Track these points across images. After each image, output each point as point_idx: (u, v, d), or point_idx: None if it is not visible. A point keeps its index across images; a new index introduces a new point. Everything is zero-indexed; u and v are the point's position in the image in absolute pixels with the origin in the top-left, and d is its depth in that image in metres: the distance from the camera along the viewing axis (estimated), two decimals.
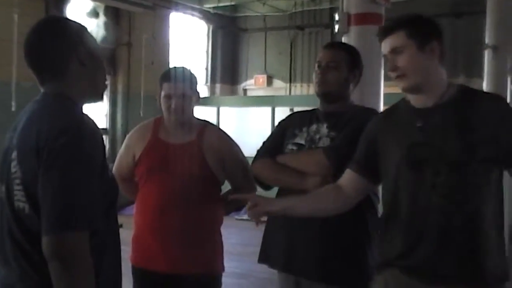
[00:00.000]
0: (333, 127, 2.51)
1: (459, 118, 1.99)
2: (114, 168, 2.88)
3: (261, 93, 14.10)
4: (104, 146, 1.76)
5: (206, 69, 14.06)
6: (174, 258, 2.71)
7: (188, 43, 13.28)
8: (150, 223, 2.76)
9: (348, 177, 2.23)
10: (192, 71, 2.88)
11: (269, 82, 14.22)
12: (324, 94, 2.57)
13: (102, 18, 10.23)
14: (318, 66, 2.58)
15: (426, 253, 2.00)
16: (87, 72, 1.79)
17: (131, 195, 2.93)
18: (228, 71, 14.20)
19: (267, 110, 10.84)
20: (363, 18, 3.11)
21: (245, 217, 9.89)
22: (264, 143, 2.71)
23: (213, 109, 10.94)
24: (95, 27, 10.03)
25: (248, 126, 10.50)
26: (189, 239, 2.71)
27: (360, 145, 2.25)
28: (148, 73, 10.43)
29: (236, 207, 3.06)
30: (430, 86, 2.06)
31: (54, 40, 1.75)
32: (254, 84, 14.38)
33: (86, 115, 1.77)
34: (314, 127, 2.56)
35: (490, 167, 1.98)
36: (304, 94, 13.44)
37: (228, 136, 2.90)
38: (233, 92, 14.32)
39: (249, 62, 14.45)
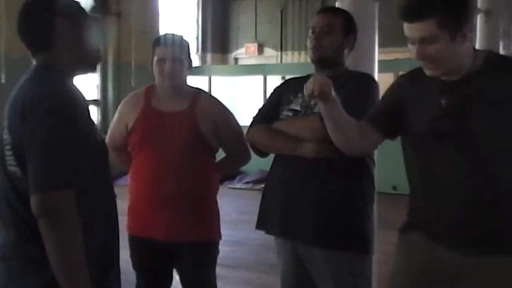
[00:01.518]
0: None
1: (485, 92, 1.93)
2: (107, 138, 2.84)
3: (252, 61, 14.03)
4: (88, 112, 1.86)
5: (197, 38, 13.95)
6: (170, 226, 2.72)
7: (178, 12, 13.13)
8: (145, 192, 2.76)
9: (366, 128, 2.20)
10: (185, 38, 2.86)
11: (260, 50, 14.14)
12: (319, 60, 2.55)
13: None
14: (312, 32, 2.55)
15: (451, 223, 2.00)
16: (70, 43, 1.87)
17: (125, 165, 2.92)
18: (218, 40, 14.09)
19: (259, 78, 10.79)
20: None
21: (238, 185, 9.99)
22: (259, 109, 2.71)
23: (205, 79, 10.87)
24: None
25: (240, 95, 10.45)
26: (185, 207, 2.72)
27: (383, 101, 2.22)
28: (139, 42, 10.32)
29: (230, 172, 3.08)
30: (459, 66, 1.97)
31: (34, 14, 1.86)
32: (245, 53, 14.30)
33: (71, 83, 1.89)
34: None
35: None
36: (296, 62, 13.38)
37: (221, 103, 2.89)
38: (224, 61, 14.24)
39: (240, 30, 14.34)
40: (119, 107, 2.91)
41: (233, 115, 2.89)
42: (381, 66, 3.37)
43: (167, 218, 2.71)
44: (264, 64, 12.25)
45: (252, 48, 14.11)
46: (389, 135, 2.21)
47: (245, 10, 14.18)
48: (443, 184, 2.00)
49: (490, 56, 2.03)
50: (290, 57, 13.77)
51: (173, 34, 2.81)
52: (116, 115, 2.90)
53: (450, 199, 1.99)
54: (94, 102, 10.37)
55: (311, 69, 2.65)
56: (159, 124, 2.74)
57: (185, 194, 2.71)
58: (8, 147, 1.79)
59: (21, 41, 1.89)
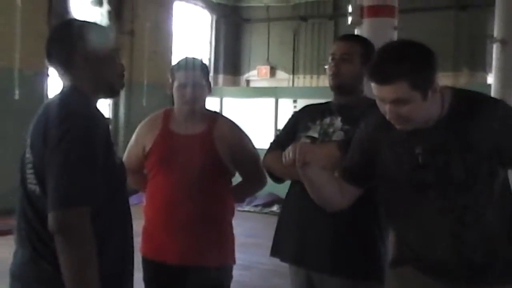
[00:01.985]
0: (347, 120, 2.49)
1: (458, 137, 1.90)
2: (123, 160, 2.84)
3: (264, 84, 14.08)
4: (109, 134, 1.91)
5: (209, 59, 14.04)
6: (184, 250, 2.70)
7: (191, 33, 13.23)
8: (160, 215, 2.74)
9: (343, 184, 2.17)
10: (204, 62, 2.86)
11: (272, 73, 14.20)
12: (337, 87, 2.55)
13: (105, 7, 10.17)
14: (332, 59, 2.56)
15: (440, 262, 1.98)
16: (92, 68, 1.92)
17: (140, 187, 2.91)
18: (231, 62, 14.17)
19: (271, 101, 10.80)
20: (376, 11, 3.08)
21: (247, 208, 9.96)
22: (276, 135, 2.69)
23: (216, 100, 10.91)
24: (99, 16, 9.99)
25: (251, 117, 10.47)
26: (200, 231, 2.70)
27: (352, 153, 2.17)
28: (151, 62, 10.40)
29: (246, 196, 3.06)
30: (429, 117, 1.93)
31: (58, 38, 1.94)
32: (257, 75, 14.35)
33: (94, 106, 1.95)
34: (327, 120, 2.54)
35: (495, 174, 1.92)
36: (307, 85, 13.42)
37: (239, 128, 2.88)
38: (236, 83, 14.30)
39: (252, 52, 14.42)
40: (137, 129, 2.91)
41: (250, 140, 2.88)
42: None
43: (181, 242, 2.69)
44: (276, 87, 12.29)
45: (264, 71, 14.17)
46: (366, 185, 2.17)
47: (257, 32, 14.28)
48: (428, 228, 1.98)
49: (459, 98, 1.97)
50: (302, 81, 13.82)
51: (193, 58, 2.81)
52: (134, 137, 2.89)
53: (436, 241, 1.98)
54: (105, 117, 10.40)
55: (323, 93, 2.64)
56: (176, 147, 2.73)
57: (201, 218, 2.69)
58: (30, 165, 1.84)
59: (50, 65, 1.96)
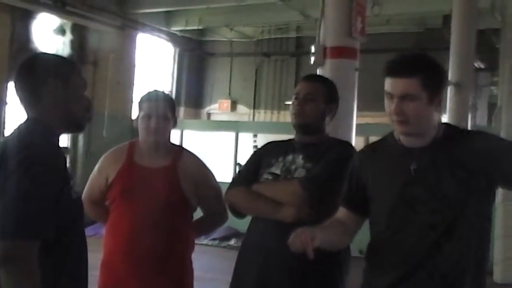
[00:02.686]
0: (309, 158, 2.54)
1: (449, 157, 2.02)
2: (85, 191, 2.84)
3: (224, 118, 14.13)
4: (65, 168, 1.89)
5: (171, 91, 14.00)
6: (143, 284, 2.67)
7: (154, 65, 13.24)
8: (120, 247, 2.72)
9: (343, 214, 2.23)
10: (170, 95, 2.89)
11: (233, 107, 14.27)
12: (301, 126, 2.60)
13: (68, 36, 10.11)
14: (296, 98, 2.61)
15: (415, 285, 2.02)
16: (60, 104, 1.93)
17: (100, 219, 2.89)
18: (192, 95, 14.19)
19: (231, 135, 10.86)
20: (338, 52, 3.18)
21: (205, 242, 9.87)
22: (239, 171, 2.72)
23: (177, 132, 10.89)
24: (61, 45, 9.92)
25: (211, 151, 10.48)
26: (161, 265, 2.68)
27: (347, 182, 2.24)
28: (113, 93, 10.35)
29: (207, 231, 3.06)
30: (427, 131, 2.06)
31: (27, 72, 1.94)
32: (218, 109, 14.40)
33: (55, 139, 1.95)
34: (290, 157, 2.58)
35: (484, 199, 2.04)
36: (268, 120, 13.54)
37: (203, 162, 2.90)
38: (197, 116, 14.31)
39: (214, 86, 14.49)
40: (101, 159, 2.90)
41: (213, 175, 2.90)
42: (358, 129, 3.45)
43: (141, 276, 2.67)
44: (237, 121, 12.36)
45: (225, 104, 14.23)
46: (367, 215, 2.22)
47: (220, 66, 14.38)
48: (413, 248, 2.03)
49: (449, 126, 2.16)
50: (263, 115, 13.92)
51: (160, 91, 2.84)
52: (97, 167, 2.88)
53: (418, 263, 2.02)
54: (64, 149, 10.26)
55: (283, 129, 2.71)
56: (140, 179, 2.73)
57: (162, 252, 2.68)
58: None
59: (16, 93, 1.95)
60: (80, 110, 1.99)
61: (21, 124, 1.92)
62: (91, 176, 2.90)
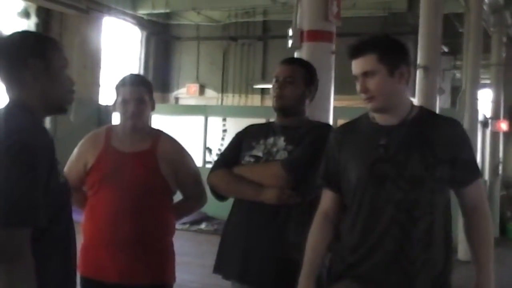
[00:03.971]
0: (290, 140, 2.57)
1: (421, 137, 2.12)
2: None
3: (192, 102, 14.08)
4: (53, 152, 1.81)
5: None
6: (124, 268, 2.67)
7: (120, 49, 13.07)
8: (100, 232, 2.71)
9: (327, 196, 2.29)
10: (148, 79, 2.88)
11: (201, 91, 14.22)
12: (281, 108, 2.63)
13: (33, 19, 9.90)
14: (276, 81, 2.64)
15: (378, 263, 2.10)
16: (41, 85, 1.84)
17: (79, 205, 2.87)
18: (160, 79, 14.06)
19: (200, 119, 10.84)
20: (315, 35, 3.21)
21: (180, 227, 9.88)
22: (221, 154, 2.74)
23: None
24: (26, 28, 9.70)
25: (180, 135, 10.42)
26: (141, 249, 2.69)
27: (323, 161, 2.31)
28: (80, 77, 10.18)
29: (186, 214, 3.08)
30: (397, 106, 2.17)
31: (6, 53, 1.84)
32: (186, 93, 14.33)
33: (40, 123, 1.86)
34: (271, 139, 2.61)
35: (444, 186, 2.14)
36: (236, 104, 13.54)
37: (182, 146, 2.90)
38: (165, 100, 14.21)
39: (182, 70, 14.40)
40: (78, 145, 2.87)
41: (192, 158, 2.91)
42: (335, 112, 3.50)
43: (122, 261, 2.66)
44: (206, 105, 12.33)
45: (193, 89, 14.17)
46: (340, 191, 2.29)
47: (187, 50, 14.29)
48: (381, 222, 2.11)
49: (425, 109, 2.28)
50: (231, 99, 13.92)
51: (138, 75, 2.83)
52: (75, 154, 2.85)
53: (384, 236, 2.10)
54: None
55: (251, 112, 2.78)
56: (119, 164, 2.72)
57: (142, 236, 2.68)
58: None
59: None
60: (63, 91, 1.90)
61: (2, 108, 1.84)
62: (69, 162, 2.86)
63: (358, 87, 2.17)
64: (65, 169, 2.85)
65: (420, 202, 2.09)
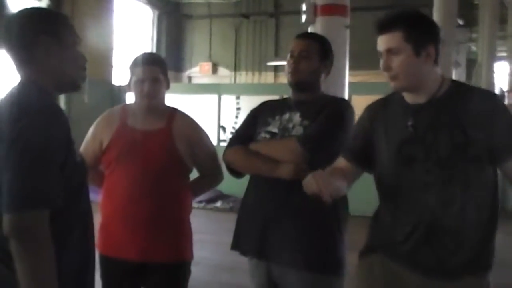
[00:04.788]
0: (306, 116, 2.54)
1: (451, 116, 2.02)
2: None
3: (206, 80, 14.06)
4: (69, 131, 1.78)
5: None
6: (143, 246, 2.69)
7: (132, 28, 13.04)
8: (118, 211, 2.72)
9: (343, 164, 2.25)
10: (162, 57, 2.86)
11: (214, 70, 14.20)
12: (296, 83, 2.60)
13: (45, 1, 9.90)
14: (291, 56, 2.61)
15: (412, 246, 2.06)
16: (54, 62, 1.81)
17: (96, 184, 2.88)
18: (172, 58, 14.04)
19: (213, 97, 10.82)
20: (329, 9, 3.17)
21: (195, 205, 9.97)
22: (236, 130, 2.73)
23: None
24: None
25: (194, 114, 10.41)
26: (158, 227, 2.70)
27: (354, 133, 2.27)
28: (92, 58, 10.12)
29: (203, 191, 3.08)
30: (423, 86, 2.06)
31: (18, 29, 1.79)
32: (199, 72, 14.31)
33: (54, 101, 1.82)
34: (287, 115, 2.59)
35: (481, 165, 2.01)
36: (249, 82, 13.50)
37: (197, 123, 2.90)
38: (178, 79, 14.20)
39: (194, 49, 14.37)
40: (94, 124, 2.87)
41: (207, 135, 2.91)
42: (351, 88, 3.47)
43: (141, 238, 2.68)
44: (219, 84, 12.30)
45: (206, 67, 14.15)
46: (368, 168, 2.24)
47: (199, 29, 14.24)
48: (412, 205, 2.07)
49: (458, 84, 2.13)
50: (244, 77, 13.88)
51: (151, 53, 2.82)
52: (91, 132, 2.85)
53: (418, 219, 2.06)
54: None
55: (265, 90, 2.74)
56: (135, 142, 2.72)
57: (160, 214, 2.69)
58: None
59: (6, 54, 1.83)
60: (76, 68, 1.88)
61: (14, 87, 1.81)
62: (84, 141, 2.87)
63: (381, 64, 2.07)
64: (81, 148, 2.86)
65: (451, 184, 2.00)
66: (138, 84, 2.71)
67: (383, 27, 2.05)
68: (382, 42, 2.05)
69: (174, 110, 2.87)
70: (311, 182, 1.96)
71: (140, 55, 2.78)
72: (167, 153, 2.72)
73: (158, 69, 2.73)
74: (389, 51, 2.03)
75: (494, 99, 2.08)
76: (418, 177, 2.04)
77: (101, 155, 2.79)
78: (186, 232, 2.85)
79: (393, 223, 2.13)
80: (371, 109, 2.27)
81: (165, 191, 2.71)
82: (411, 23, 2.02)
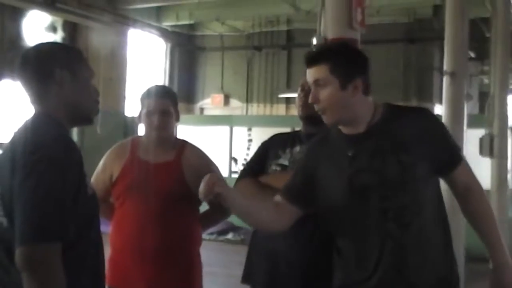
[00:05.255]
0: None
1: (391, 140, 2.03)
2: None
3: (217, 112, 14.12)
4: (82, 165, 1.79)
5: None
6: (152, 279, 2.68)
7: (145, 60, 13.19)
8: (127, 243, 2.72)
9: (282, 203, 2.20)
10: (173, 90, 2.89)
11: (226, 101, 14.27)
12: (307, 117, 2.61)
13: (60, 33, 10.06)
14: (302, 90, 2.62)
15: (380, 277, 2.03)
16: (68, 95, 1.85)
17: (106, 216, 2.88)
18: (185, 90, 14.15)
19: (225, 129, 10.85)
20: None
21: (207, 237, 9.95)
22: (247, 163, 2.73)
23: None
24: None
25: (206, 145, 10.45)
26: (167, 260, 2.69)
27: (295, 173, 2.24)
28: (106, 89, 10.29)
29: (213, 224, 3.06)
30: (355, 117, 2.07)
31: (33, 64, 1.84)
32: (211, 103, 14.38)
33: (67, 135, 1.85)
34: (297, 148, 2.60)
35: (429, 180, 2.05)
36: (261, 114, 13.54)
37: (206, 155, 2.90)
38: (190, 111, 14.28)
39: (206, 81, 14.47)
40: (104, 157, 2.89)
41: (217, 167, 2.90)
42: None
43: (149, 271, 2.67)
44: (231, 115, 12.36)
45: (218, 99, 14.22)
46: (308, 207, 2.20)
47: (212, 61, 14.35)
48: (373, 235, 2.04)
49: (388, 106, 2.15)
50: (256, 109, 13.92)
51: (162, 86, 2.85)
52: (101, 164, 2.87)
53: (380, 249, 2.02)
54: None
55: (277, 121, 2.75)
56: (144, 175, 2.73)
57: (169, 246, 2.68)
58: None
59: (22, 87, 1.87)
60: (89, 102, 1.92)
61: (28, 120, 1.84)
62: (95, 173, 2.88)
63: (310, 96, 2.09)
64: (92, 180, 2.86)
65: (407, 206, 2.01)
66: (148, 116, 2.73)
67: (311, 60, 2.08)
68: (310, 74, 2.08)
69: (184, 142, 2.88)
70: (202, 185, 1.97)
71: (151, 87, 2.81)
72: (177, 186, 2.72)
73: (168, 101, 2.75)
74: (316, 83, 2.05)
75: (427, 115, 2.14)
76: (373, 205, 2.01)
77: (111, 187, 2.79)
78: (195, 265, 2.83)
79: (359, 257, 2.08)
80: (310, 149, 2.25)
81: (175, 224, 2.70)
82: (337, 56, 2.06)
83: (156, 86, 2.84)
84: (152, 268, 2.67)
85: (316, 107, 2.07)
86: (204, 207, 2.90)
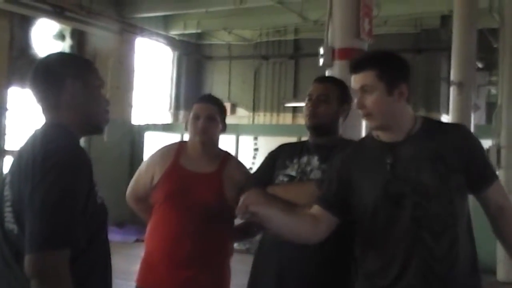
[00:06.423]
0: (324, 159, 2.54)
1: (429, 150, 2.07)
2: (129, 188, 2.89)
3: None
4: (91, 174, 1.81)
5: (170, 95, 14.03)
6: (183, 285, 2.67)
7: (153, 69, 13.23)
8: (160, 247, 2.73)
9: (318, 213, 2.21)
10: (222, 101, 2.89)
11: (233, 110, 14.26)
12: (314, 127, 2.61)
13: (68, 41, 10.11)
14: (309, 99, 2.62)
15: (408, 284, 2.03)
16: (79, 106, 1.87)
17: (144, 215, 2.91)
18: (192, 98, 14.14)
19: (232, 138, 10.84)
20: (347, 53, 3.19)
21: None
22: (254, 173, 2.73)
23: (177, 136, 10.89)
24: (61, 50, 9.91)
25: None
26: (200, 268, 2.68)
27: (330, 182, 2.25)
28: (113, 97, 10.31)
29: (245, 239, 3.04)
30: (397, 124, 2.12)
31: (43, 76, 1.87)
32: None
33: (78, 144, 1.88)
34: (305, 159, 2.59)
35: (463, 194, 2.08)
36: (268, 123, 13.54)
37: (248, 170, 2.89)
38: None
39: (213, 89, 14.46)
40: (149, 157, 2.91)
41: None
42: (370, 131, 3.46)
43: (181, 277, 2.67)
44: (237, 124, 12.36)
45: None
46: (345, 215, 2.21)
47: (219, 69, 14.38)
48: (404, 241, 2.05)
49: (428, 120, 2.21)
50: (262, 118, 13.92)
51: (212, 95, 2.89)
52: (145, 164, 2.89)
53: (410, 256, 2.03)
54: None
55: (283, 131, 2.74)
56: (184, 184, 2.73)
57: (202, 256, 2.68)
58: (8, 203, 1.78)
59: (33, 97, 1.89)
60: (100, 111, 1.94)
61: (40, 129, 1.86)
62: (137, 173, 2.91)
63: (355, 102, 2.14)
64: (134, 178, 2.92)
65: (440, 215, 2.03)
66: (193, 120, 2.75)
67: (358, 66, 2.12)
68: (356, 81, 2.12)
69: (227, 155, 2.88)
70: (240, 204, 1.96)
71: (202, 95, 2.86)
72: (215, 199, 2.71)
73: (215, 108, 2.77)
74: (363, 89, 2.08)
75: (466, 131, 2.19)
76: (407, 212, 2.03)
77: (151, 189, 2.80)
78: (225, 276, 2.82)
79: (388, 263, 2.09)
80: (345, 155, 2.27)
81: (209, 234, 2.69)
82: (383, 63, 2.10)
83: (207, 94, 2.92)
84: (183, 275, 2.66)
85: (360, 112, 2.11)
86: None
